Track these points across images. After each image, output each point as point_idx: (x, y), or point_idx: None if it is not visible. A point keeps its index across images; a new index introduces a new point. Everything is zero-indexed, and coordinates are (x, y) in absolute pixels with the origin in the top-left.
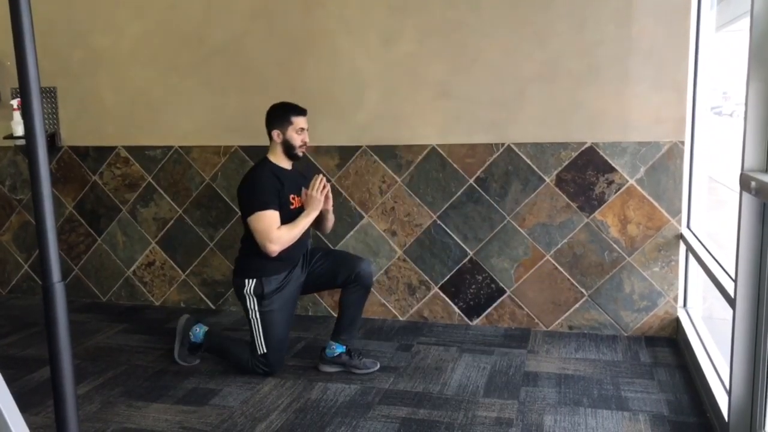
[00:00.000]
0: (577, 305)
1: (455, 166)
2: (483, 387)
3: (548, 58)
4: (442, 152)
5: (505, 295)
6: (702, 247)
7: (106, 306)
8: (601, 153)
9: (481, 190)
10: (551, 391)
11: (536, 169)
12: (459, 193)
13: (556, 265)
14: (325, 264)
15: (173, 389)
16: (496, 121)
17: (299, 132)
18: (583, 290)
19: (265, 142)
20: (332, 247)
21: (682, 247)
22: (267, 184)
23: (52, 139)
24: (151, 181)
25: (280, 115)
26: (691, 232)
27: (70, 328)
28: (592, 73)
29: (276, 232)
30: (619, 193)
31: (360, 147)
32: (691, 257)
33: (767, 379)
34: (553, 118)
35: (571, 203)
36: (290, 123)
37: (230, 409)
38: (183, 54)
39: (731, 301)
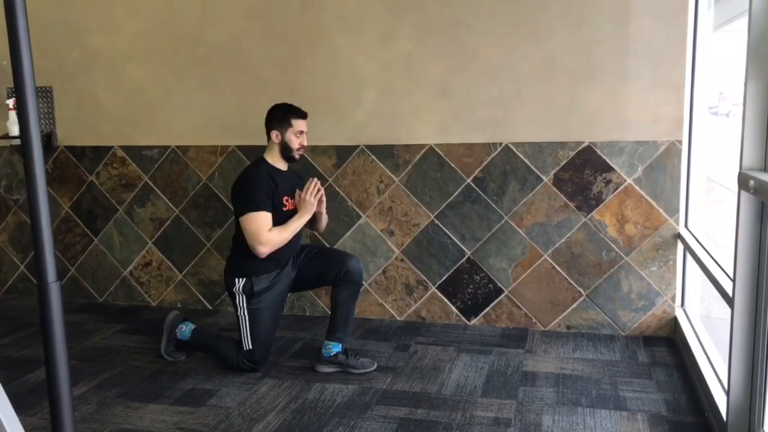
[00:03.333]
0: (574, 305)
1: (453, 165)
2: (481, 387)
3: (546, 57)
4: (439, 152)
5: (502, 295)
6: (700, 246)
7: (103, 306)
8: (599, 152)
9: (478, 190)
10: (549, 391)
11: (534, 168)
12: (457, 193)
13: (554, 264)
14: (314, 262)
15: (170, 390)
16: (493, 121)
17: (298, 135)
18: (581, 290)
19: (263, 142)
20: (327, 246)
21: (680, 247)
22: (261, 185)
23: (49, 139)
24: (148, 181)
25: (281, 116)
26: (689, 231)
27: (67, 328)
28: (590, 72)
29: (266, 235)
30: (616, 192)
31: (357, 146)
32: (688, 257)
33: (765, 379)
34: (551, 118)
35: (569, 203)
36: (290, 125)
37: (227, 410)
38: (180, 53)
39: (729, 301)
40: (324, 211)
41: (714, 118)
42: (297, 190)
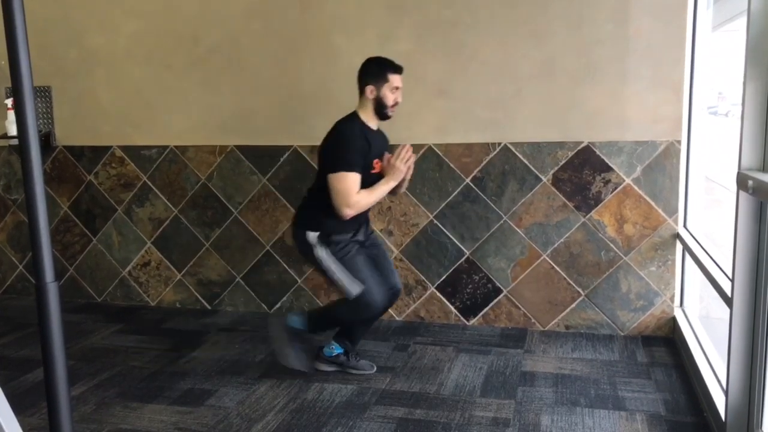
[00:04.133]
0: (573, 305)
1: (452, 165)
2: (480, 387)
3: (545, 57)
4: (438, 152)
5: (501, 295)
6: (699, 246)
7: (102, 306)
8: (598, 152)
9: (477, 190)
10: (548, 391)
11: (533, 168)
12: (455, 193)
13: (553, 264)
14: (375, 254)
15: (169, 390)
16: (492, 121)
17: (393, 91)
18: (580, 290)
19: (262, 141)
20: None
21: (679, 247)
22: (357, 144)
23: (47, 139)
24: (147, 180)
25: (377, 70)
26: (688, 231)
27: (65, 328)
28: (589, 72)
29: (355, 197)
30: (615, 192)
31: None
32: (687, 256)
33: (764, 379)
34: (550, 118)
35: (568, 203)
36: (386, 80)
37: (226, 410)
38: (179, 53)
39: (728, 301)
40: (408, 177)
41: (713, 117)
42: (386, 154)
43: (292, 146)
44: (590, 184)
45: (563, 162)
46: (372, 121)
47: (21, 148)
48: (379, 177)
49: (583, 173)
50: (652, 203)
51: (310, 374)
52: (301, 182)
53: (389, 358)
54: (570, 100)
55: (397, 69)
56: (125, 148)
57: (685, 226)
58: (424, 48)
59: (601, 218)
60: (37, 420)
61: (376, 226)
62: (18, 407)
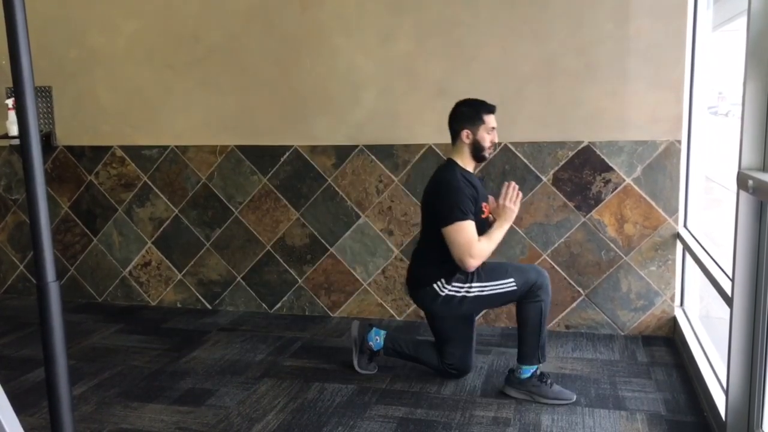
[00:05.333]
0: (574, 305)
1: None
2: (480, 386)
3: (545, 57)
4: (439, 151)
5: None
6: (699, 246)
7: (102, 306)
8: (598, 152)
9: None
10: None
11: (533, 168)
12: None
13: (553, 264)
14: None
15: (169, 390)
16: None
17: (490, 132)
18: (580, 289)
19: (263, 141)
20: (330, 247)
21: (679, 246)
22: (466, 191)
23: (48, 139)
24: (147, 180)
25: (472, 113)
26: (688, 231)
27: (66, 328)
28: (590, 72)
29: (477, 245)
30: (615, 192)
31: (357, 146)
32: (687, 256)
33: (764, 378)
34: (551, 118)
35: (568, 202)
36: (482, 122)
37: (227, 410)
38: (179, 53)
39: (728, 300)
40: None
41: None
42: (491, 198)
43: (292, 146)
44: (590, 183)
45: (563, 162)
46: (469, 165)
47: (22, 148)
48: (486, 222)
49: (583, 173)
50: (653, 203)
51: (311, 374)
52: (301, 182)
53: (389, 358)
54: (570, 100)
55: (491, 109)
56: (126, 148)
57: (685, 225)
58: (424, 48)
59: (602, 218)
60: (38, 419)
61: (377, 226)
62: (19, 407)
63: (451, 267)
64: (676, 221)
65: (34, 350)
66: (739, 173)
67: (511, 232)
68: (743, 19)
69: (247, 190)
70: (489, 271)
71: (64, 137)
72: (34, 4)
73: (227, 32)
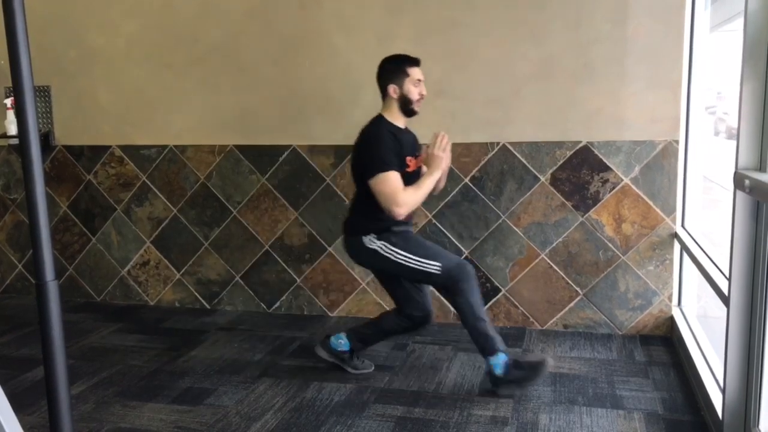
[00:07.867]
0: (572, 304)
1: (451, 165)
2: (478, 386)
3: (544, 57)
4: None
5: (500, 294)
6: (696, 245)
7: (101, 306)
8: (596, 152)
9: (476, 189)
10: (546, 390)
11: (531, 168)
12: (454, 192)
13: (551, 264)
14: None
15: (168, 389)
16: (491, 120)
17: (416, 84)
18: (578, 289)
19: (261, 141)
20: (328, 247)
21: (677, 246)
22: (388, 144)
23: (47, 138)
24: (146, 180)
25: (394, 67)
26: (686, 230)
27: (65, 327)
28: (588, 72)
29: (402, 194)
30: (613, 192)
31: None
32: (685, 256)
33: (761, 377)
34: (549, 117)
35: (566, 202)
36: (406, 74)
37: (225, 409)
38: (178, 53)
39: (725, 300)
40: (447, 166)
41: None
42: (424, 146)
43: (291, 146)
44: (588, 183)
45: (562, 161)
46: (399, 121)
47: (21, 148)
48: (415, 175)
49: (581, 173)
50: (650, 203)
51: (309, 373)
52: (300, 182)
53: (388, 357)
54: (568, 100)
55: (415, 61)
56: (124, 148)
57: (683, 225)
58: (423, 48)
59: (600, 218)
60: (37, 418)
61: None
62: (18, 406)
63: (385, 224)
64: (673, 221)
65: (33, 349)
66: (736, 173)
67: (509, 231)
68: (741, 20)
69: (246, 189)
70: (423, 247)
71: (63, 137)
72: (33, 4)
73: (226, 32)
